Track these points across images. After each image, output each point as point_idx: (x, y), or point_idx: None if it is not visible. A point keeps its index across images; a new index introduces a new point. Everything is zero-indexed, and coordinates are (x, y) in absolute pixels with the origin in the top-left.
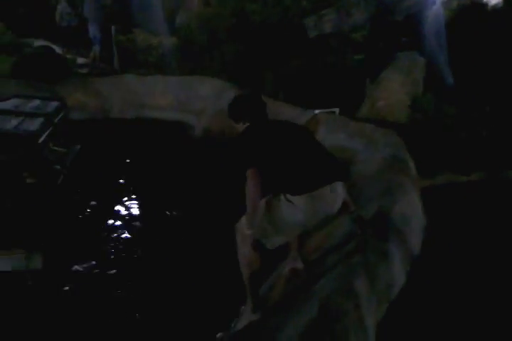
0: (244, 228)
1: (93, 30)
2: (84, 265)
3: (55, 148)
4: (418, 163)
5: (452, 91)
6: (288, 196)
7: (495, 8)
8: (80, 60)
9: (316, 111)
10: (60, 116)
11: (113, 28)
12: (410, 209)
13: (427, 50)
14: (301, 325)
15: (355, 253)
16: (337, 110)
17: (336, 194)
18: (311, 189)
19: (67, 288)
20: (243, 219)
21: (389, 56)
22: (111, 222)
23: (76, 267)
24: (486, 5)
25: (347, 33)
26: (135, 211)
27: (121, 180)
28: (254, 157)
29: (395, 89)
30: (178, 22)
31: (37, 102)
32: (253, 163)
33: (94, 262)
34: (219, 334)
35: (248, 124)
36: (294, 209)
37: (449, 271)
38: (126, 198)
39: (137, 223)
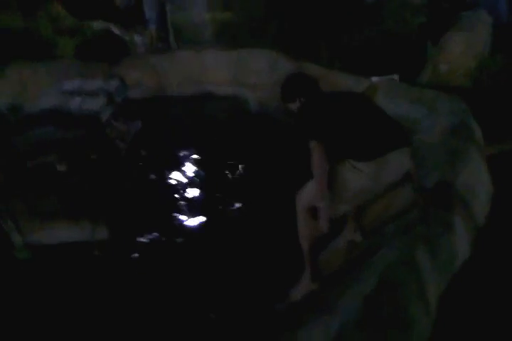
0: (303, 201)
1: (148, 10)
2: (149, 236)
3: (117, 125)
4: (485, 130)
5: None
6: (353, 162)
7: None
8: (138, 40)
9: (374, 79)
10: (121, 94)
11: (168, 6)
12: (476, 178)
13: (494, 9)
14: (361, 294)
15: (417, 223)
16: (396, 76)
17: (402, 160)
18: (376, 155)
19: (132, 259)
20: (303, 191)
21: (453, 16)
22: (172, 195)
23: (141, 238)
24: None
25: None
26: (196, 184)
27: (180, 155)
28: (317, 129)
29: (459, 52)
30: None
31: (99, 82)
32: (316, 135)
33: (157, 234)
34: (277, 305)
35: (304, 101)
36: (360, 175)
37: None
38: (186, 172)
39: (198, 196)
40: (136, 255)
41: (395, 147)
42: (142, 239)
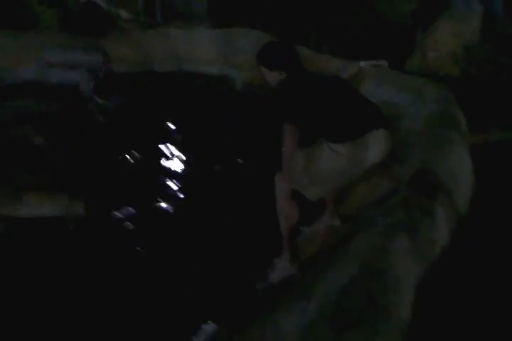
0: (281, 182)
1: None
2: (124, 212)
3: (99, 99)
4: (470, 119)
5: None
6: (330, 144)
7: None
8: (124, 14)
9: (362, 64)
10: (104, 68)
11: None
12: (458, 166)
13: None
14: (339, 280)
15: (397, 209)
16: (384, 62)
17: (381, 142)
18: (354, 136)
19: (107, 234)
20: (281, 173)
21: (443, 4)
22: (152, 171)
23: (116, 214)
24: None
25: None
26: (177, 162)
27: (162, 132)
28: (292, 113)
29: (447, 40)
30: None
31: (82, 55)
32: (291, 118)
33: (133, 210)
34: (258, 285)
35: (283, 74)
36: (337, 157)
37: (497, 232)
38: (167, 149)
39: (179, 173)
40: (113, 232)
41: (371, 128)
42: (119, 215)
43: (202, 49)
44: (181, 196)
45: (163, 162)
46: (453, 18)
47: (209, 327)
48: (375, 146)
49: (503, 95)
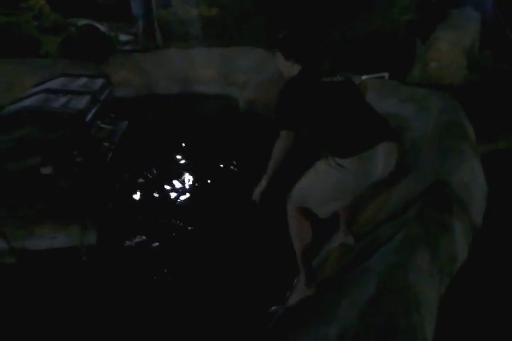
0: (291, 203)
1: (135, 6)
2: (137, 241)
3: (103, 125)
4: (477, 128)
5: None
6: (337, 159)
7: None
8: (123, 37)
9: (364, 77)
10: (106, 93)
11: (153, 2)
12: (471, 177)
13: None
14: (359, 301)
15: (413, 224)
16: (386, 75)
17: (387, 154)
18: (361, 150)
19: (120, 264)
20: (292, 193)
21: (441, 14)
22: (160, 197)
23: (128, 243)
24: None
25: None
26: (185, 186)
27: (169, 156)
28: (289, 119)
29: (448, 49)
30: None
31: (83, 80)
32: (286, 125)
33: (145, 238)
34: (273, 308)
35: (295, 66)
36: (345, 172)
37: None
38: (175, 173)
39: (187, 198)
40: (125, 261)
41: (378, 141)
42: (131, 244)
43: (202, 69)
44: (193, 222)
45: (172, 186)
46: (452, 26)
47: None
48: (383, 160)
49: (507, 102)
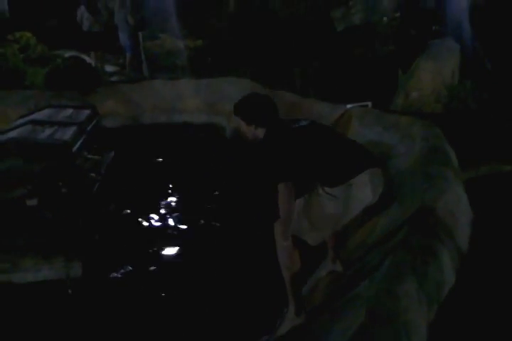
0: (279, 233)
1: (123, 37)
2: (123, 272)
3: (89, 156)
4: (459, 154)
5: (491, 78)
6: (326, 189)
7: None
8: (110, 68)
9: (348, 106)
10: (93, 124)
11: (140, 34)
12: (456, 203)
13: (460, 37)
14: (349, 330)
15: (400, 250)
16: (370, 103)
17: (374, 180)
18: (348, 178)
19: (106, 295)
20: (278, 224)
21: (421, 44)
22: (147, 228)
23: (115, 274)
24: None
25: (375, 24)
26: (172, 217)
27: (156, 186)
28: (286, 171)
29: (429, 79)
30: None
31: (69, 111)
32: (284, 177)
33: (132, 269)
34: (264, 337)
35: (258, 129)
36: (334, 200)
37: (500, 267)
38: (162, 204)
39: (174, 229)
40: (112, 293)
41: (363, 168)
42: (118, 276)
43: (189, 99)
44: (179, 252)
45: (159, 216)
46: (432, 57)
47: None
48: (369, 186)
49: (488, 129)
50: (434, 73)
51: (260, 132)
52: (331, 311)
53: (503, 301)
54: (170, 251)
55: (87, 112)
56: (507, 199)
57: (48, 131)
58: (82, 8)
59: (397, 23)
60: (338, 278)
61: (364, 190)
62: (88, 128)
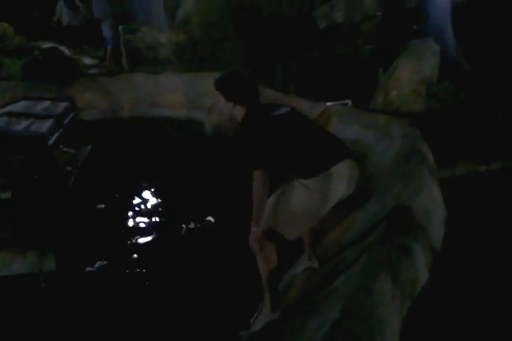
0: (255, 228)
1: (105, 30)
2: (97, 266)
3: (66, 149)
4: (436, 154)
5: (469, 78)
6: (301, 181)
7: None
8: (89, 60)
9: (328, 104)
10: (70, 117)
11: (121, 27)
12: (431, 201)
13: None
14: (323, 326)
15: (376, 248)
16: (350, 102)
17: (348, 172)
18: (323, 169)
19: (80, 290)
20: (253, 219)
21: (401, 44)
22: (122, 222)
23: (89, 268)
24: None
25: (357, 23)
26: (147, 211)
27: (133, 180)
28: (261, 157)
29: (408, 78)
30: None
31: (46, 104)
32: (260, 165)
33: (106, 263)
34: (242, 332)
35: (236, 107)
36: (310, 192)
37: (472, 265)
38: (138, 198)
39: (150, 223)
40: (86, 287)
41: (338, 160)
42: (91, 270)
43: (169, 93)
44: (155, 245)
45: (135, 211)
46: (412, 56)
47: None
48: (344, 177)
49: (466, 129)
50: (413, 72)
51: (239, 111)
52: (307, 307)
53: (474, 298)
54: (145, 244)
55: (64, 105)
56: (482, 199)
57: (24, 124)
58: (61, 2)
59: (378, 22)
60: (314, 275)
61: (341, 181)
62: (65, 121)
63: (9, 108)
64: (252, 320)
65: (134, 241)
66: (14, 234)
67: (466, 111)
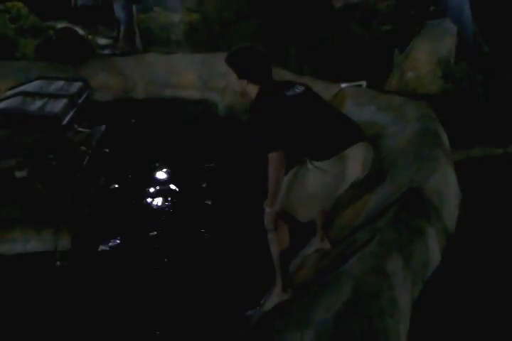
0: (269, 208)
1: (118, 10)
2: (112, 245)
3: (80, 129)
4: (451, 136)
5: (487, 59)
6: (315, 163)
7: None
8: (103, 41)
9: (343, 85)
10: (84, 96)
11: (134, 7)
12: (445, 184)
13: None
14: (334, 306)
15: (388, 230)
16: (364, 83)
17: (363, 154)
18: (337, 151)
19: (94, 268)
20: (267, 199)
21: (418, 25)
22: (137, 202)
23: (104, 247)
24: None
25: (373, 3)
26: (162, 190)
27: (147, 160)
28: (275, 138)
29: (425, 59)
30: None
31: (61, 84)
32: (274, 145)
33: (120, 242)
34: (250, 312)
35: (250, 85)
36: (323, 174)
37: (485, 248)
38: (152, 178)
39: (165, 202)
40: (100, 265)
41: (352, 142)
42: (107, 249)
43: (183, 74)
44: (169, 225)
45: (150, 191)
46: (428, 37)
47: None
48: (359, 159)
49: (482, 111)
50: (430, 53)
51: (252, 89)
52: (318, 288)
53: (487, 282)
54: (160, 224)
55: (78, 85)
56: (497, 182)
57: (38, 103)
58: None
59: (395, 3)
60: (325, 256)
61: (356, 164)
62: (79, 101)
63: (23, 88)
64: (262, 300)
65: (148, 220)
66: (30, 212)
67: (483, 93)
